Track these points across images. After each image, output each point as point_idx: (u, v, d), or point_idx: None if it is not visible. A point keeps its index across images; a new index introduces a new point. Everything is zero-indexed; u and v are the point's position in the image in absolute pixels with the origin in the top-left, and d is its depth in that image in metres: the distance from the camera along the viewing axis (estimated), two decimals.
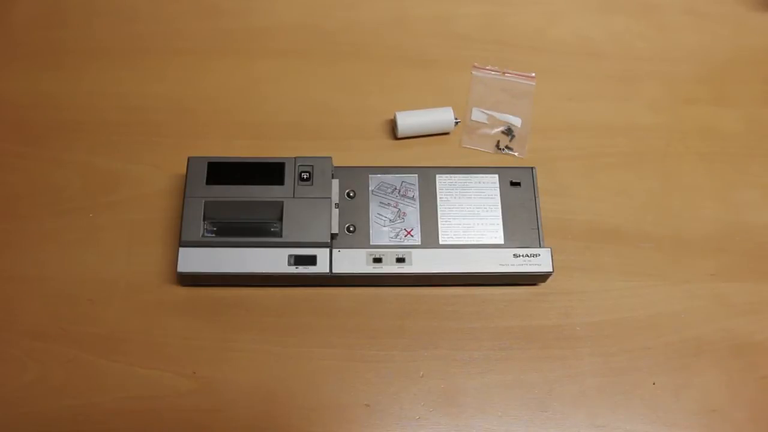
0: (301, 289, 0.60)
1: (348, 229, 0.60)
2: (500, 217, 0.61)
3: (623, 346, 0.58)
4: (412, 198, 0.61)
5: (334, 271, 0.57)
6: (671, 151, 0.68)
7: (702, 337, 0.59)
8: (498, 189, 0.62)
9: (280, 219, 0.58)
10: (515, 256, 0.59)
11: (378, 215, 0.60)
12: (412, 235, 0.60)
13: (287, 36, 0.73)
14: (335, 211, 0.59)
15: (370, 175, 0.62)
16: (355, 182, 0.61)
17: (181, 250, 0.57)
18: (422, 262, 0.58)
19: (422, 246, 0.59)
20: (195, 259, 0.57)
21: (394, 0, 0.76)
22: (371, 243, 0.59)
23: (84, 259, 0.60)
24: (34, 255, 0.60)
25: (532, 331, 0.59)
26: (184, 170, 0.60)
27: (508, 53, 0.73)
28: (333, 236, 0.58)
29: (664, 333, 0.59)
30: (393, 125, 0.67)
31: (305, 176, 0.60)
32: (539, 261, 0.58)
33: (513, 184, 0.62)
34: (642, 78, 0.72)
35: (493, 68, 0.71)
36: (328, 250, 0.58)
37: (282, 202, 0.58)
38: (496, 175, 0.62)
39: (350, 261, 0.58)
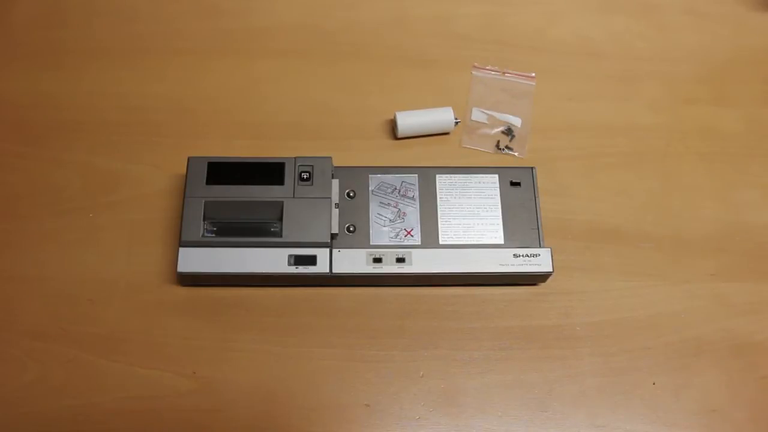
0: (301, 289, 0.60)
1: (348, 229, 0.60)
2: (500, 217, 0.61)
3: (623, 346, 0.58)
4: (412, 198, 0.61)
5: (334, 271, 0.57)
6: (671, 151, 0.68)
7: (702, 337, 0.59)
8: (498, 189, 0.62)
9: (280, 219, 0.58)
10: (515, 256, 0.59)
11: (378, 215, 0.60)
12: (412, 235, 0.60)
13: (287, 36, 0.73)
14: (335, 211, 0.59)
15: (370, 175, 0.62)
16: (355, 182, 0.61)
17: (181, 250, 0.57)
18: (422, 262, 0.58)
19: (422, 246, 0.59)
20: (195, 259, 0.57)
21: (394, 0, 0.76)
22: (371, 243, 0.59)
23: (84, 259, 0.60)
24: (34, 255, 0.60)
25: (532, 331, 0.59)
26: (184, 170, 0.60)
27: (508, 53, 0.73)
28: (333, 236, 0.58)
29: (664, 333, 0.59)
30: (393, 125, 0.67)
31: (305, 176, 0.60)
32: (539, 261, 0.58)
33: (513, 184, 0.62)
34: (642, 78, 0.72)
35: (493, 68, 0.71)
36: (328, 250, 0.58)
37: (282, 202, 0.58)
38: (496, 175, 0.62)
39: (350, 261, 0.58)
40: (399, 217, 0.60)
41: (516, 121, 0.68)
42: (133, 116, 0.67)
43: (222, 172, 0.59)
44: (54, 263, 0.60)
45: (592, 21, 0.76)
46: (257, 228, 0.59)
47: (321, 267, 0.57)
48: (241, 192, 0.59)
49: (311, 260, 0.57)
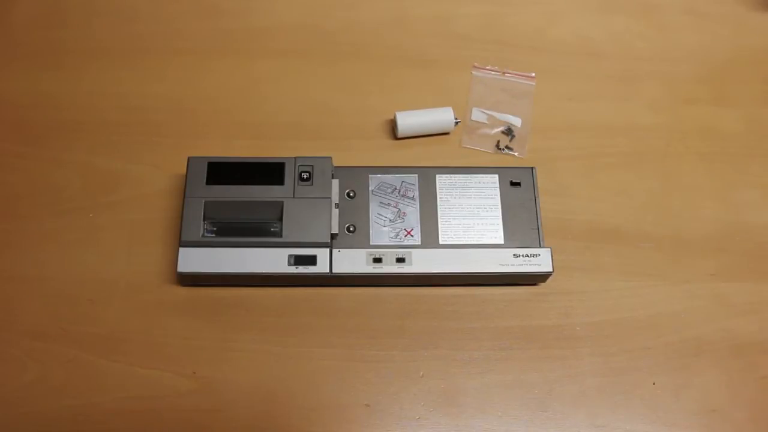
0: (301, 289, 0.60)
1: (348, 229, 0.60)
2: (500, 217, 0.61)
3: (623, 346, 0.58)
4: (412, 198, 0.61)
5: (334, 271, 0.57)
6: (671, 151, 0.68)
7: (702, 337, 0.59)
8: (498, 189, 0.62)
9: (280, 219, 0.58)
10: (515, 256, 0.59)
11: (378, 215, 0.60)
12: (412, 235, 0.60)
13: (287, 36, 0.73)
14: (335, 211, 0.59)
15: (370, 175, 0.62)
16: (355, 182, 0.61)
17: (181, 250, 0.57)
18: (422, 262, 0.58)
19: (422, 246, 0.59)
20: (195, 259, 0.57)
21: (394, 0, 0.76)
22: (371, 243, 0.59)
23: (84, 259, 0.60)
24: (34, 255, 0.60)
25: (532, 331, 0.59)
26: (184, 170, 0.60)
27: (508, 53, 0.73)
28: (333, 236, 0.58)
29: (664, 333, 0.59)
30: (393, 125, 0.67)
31: (305, 176, 0.60)
32: (539, 261, 0.58)
33: (513, 184, 0.62)
34: (642, 78, 0.72)
35: (493, 68, 0.71)
36: (328, 250, 0.58)
37: (282, 202, 0.58)
38: (496, 175, 0.62)
39: (350, 261, 0.58)
40: (399, 217, 0.60)
41: (516, 121, 0.68)
42: (133, 116, 0.67)
43: (222, 172, 0.59)
44: (54, 263, 0.60)
45: (592, 21, 0.76)
46: (257, 228, 0.59)
47: (321, 267, 0.57)
48: (241, 192, 0.59)
49: (311, 260, 0.57)
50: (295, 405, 0.55)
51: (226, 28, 0.73)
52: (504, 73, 0.70)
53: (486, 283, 0.60)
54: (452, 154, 0.67)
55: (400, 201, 0.61)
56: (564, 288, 0.61)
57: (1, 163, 0.65)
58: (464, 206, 0.61)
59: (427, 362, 0.57)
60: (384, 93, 0.70)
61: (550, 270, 0.58)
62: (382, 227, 0.60)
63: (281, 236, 0.58)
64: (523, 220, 0.61)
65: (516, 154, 0.67)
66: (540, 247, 0.60)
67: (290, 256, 0.57)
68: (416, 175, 0.62)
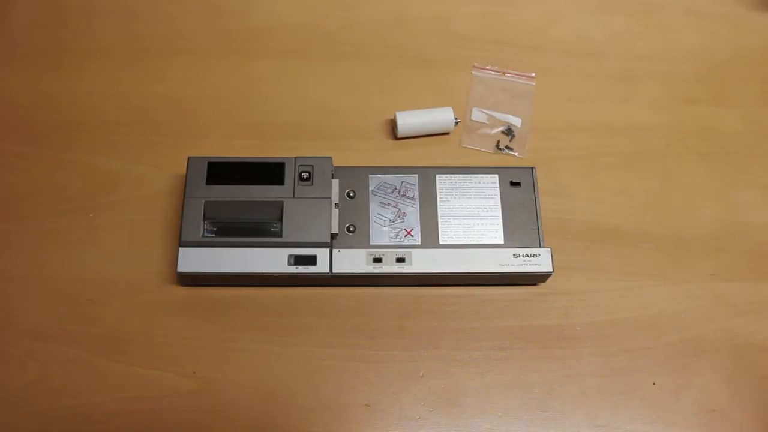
0: (301, 289, 0.60)
1: (348, 229, 0.60)
2: (500, 217, 0.61)
3: (623, 346, 0.58)
4: (412, 198, 0.61)
5: (334, 271, 0.57)
6: (671, 151, 0.68)
7: (702, 337, 0.59)
8: (498, 189, 0.62)
9: (280, 219, 0.58)
10: (515, 256, 0.59)
11: (378, 215, 0.60)
12: (412, 235, 0.60)
13: (287, 36, 0.73)
14: (335, 211, 0.59)
15: (370, 175, 0.62)
16: (355, 182, 0.61)
17: (181, 250, 0.57)
18: (422, 262, 0.58)
19: (422, 246, 0.59)
20: (195, 259, 0.57)
21: (394, 0, 0.76)
22: (371, 243, 0.59)
23: (84, 259, 0.60)
24: (34, 255, 0.60)
25: (532, 331, 0.59)
26: (184, 170, 0.60)
27: (508, 53, 0.73)
28: (333, 236, 0.58)
29: (664, 333, 0.59)
30: (393, 125, 0.67)
31: (305, 176, 0.60)
32: (539, 261, 0.58)
33: (513, 184, 0.62)
34: (642, 78, 0.72)
35: (493, 68, 0.71)
36: (328, 250, 0.58)
37: (282, 202, 0.58)
38: (496, 175, 0.62)
39: (350, 261, 0.58)
40: (399, 217, 0.60)
41: (516, 121, 0.68)
42: (133, 116, 0.67)
43: (222, 172, 0.59)
44: (54, 263, 0.60)
45: (592, 21, 0.76)
46: (257, 228, 0.59)
47: (321, 267, 0.57)
48: (241, 192, 0.59)
49: (311, 260, 0.57)
50: (295, 405, 0.55)
51: (226, 28, 0.73)
52: (504, 73, 0.70)
53: (486, 283, 0.60)
54: (452, 154, 0.67)
55: (400, 201, 0.61)
56: (564, 288, 0.61)
57: (1, 163, 0.65)
58: (464, 206, 0.61)
59: (427, 362, 0.57)
60: (384, 93, 0.70)
61: (550, 270, 0.58)
62: (382, 227, 0.60)
63: (281, 236, 0.58)
64: (523, 220, 0.61)
65: (516, 154, 0.67)
66: (540, 247, 0.60)
67: (290, 256, 0.57)
68: (416, 175, 0.62)
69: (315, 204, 0.59)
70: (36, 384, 0.55)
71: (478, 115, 0.69)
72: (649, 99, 0.71)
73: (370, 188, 0.61)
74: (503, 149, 0.67)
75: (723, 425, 0.56)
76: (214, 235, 0.58)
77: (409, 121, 0.66)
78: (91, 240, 0.61)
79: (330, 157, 0.61)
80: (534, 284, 0.61)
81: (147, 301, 0.59)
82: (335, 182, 0.60)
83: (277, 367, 0.57)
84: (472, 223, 0.60)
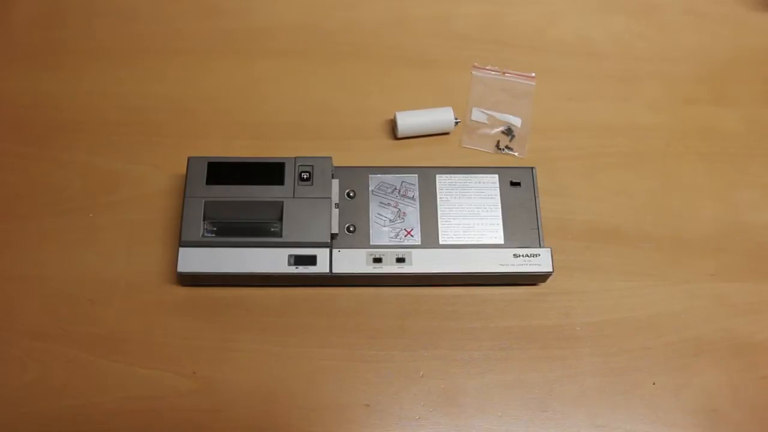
0: (301, 289, 0.60)
1: (348, 229, 0.60)
2: (500, 217, 0.61)
3: (623, 346, 0.58)
4: (412, 198, 0.61)
5: (334, 271, 0.57)
6: (671, 151, 0.68)
7: (702, 337, 0.59)
8: (498, 189, 0.62)
9: (280, 219, 0.58)
10: (515, 256, 0.59)
11: (378, 215, 0.60)
12: (412, 235, 0.60)
13: (287, 36, 0.73)
14: (335, 211, 0.59)
15: (370, 175, 0.62)
16: (355, 182, 0.61)
17: (181, 250, 0.57)
18: (422, 262, 0.58)
19: (422, 246, 0.59)
20: (195, 259, 0.57)
21: (394, 0, 0.76)
22: (371, 243, 0.59)
23: (84, 259, 0.60)
24: (34, 255, 0.60)
25: (532, 331, 0.59)
26: (184, 170, 0.60)
27: (508, 53, 0.73)
28: (333, 236, 0.58)
29: (664, 333, 0.59)
30: (393, 125, 0.67)
31: (305, 176, 0.60)
32: (539, 261, 0.58)
33: (513, 184, 0.62)
34: (642, 78, 0.72)
35: (493, 68, 0.71)
36: (328, 250, 0.58)
37: (282, 202, 0.58)
38: (496, 175, 0.62)
39: (350, 261, 0.58)
40: (399, 217, 0.60)
41: (516, 121, 0.68)
42: (133, 116, 0.67)
43: (222, 172, 0.59)
44: (54, 263, 0.60)
45: (592, 21, 0.76)
46: (257, 228, 0.59)
47: (321, 267, 0.57)
48: (241, 192, 0.59)
49: (311, 260, 0.57)
50: (295, 405, 0.55)
51: (226, 28, 0.73)
52: (504, 73, 0.70)
53: (486, 283, 0.60)
54: (452, 154, 0.67)
55: (400, 201, 0.61)
56: (564, 288, 0.61)
57: (1, 163, 0.65)
58: (464, 206, 0.61)
59: (427, 362, 0.57)
60: (384, 93, 0.70)
61: (550, 270, 0.58)
62: (382, 227, 0.60)
63: (281, 236, 0.58)
64: (523, 220, 0.61)
65: (516, 154, 0.67)
66: (540, 247, 0.60)
67: (290, 256, 0.57)
68: (416, 175, 0.62)
69: (315, 204, 0.59)
70: (36, 384, 0.55)
71: (478, 115, 0.69)
72: (649, 99, 0.71)
73: (370, 188, 0.61)
74: (503, 149, 0.67)
75: (723, 425, 0.56)
76: (214, 235, 0.58)
77: (409, 121, 0.66)
78: (91, 240, 0.61)
79: (330, 157, 0.61)
80: (534, 284, 0.61)
81: (147, 301, 0.59)
82: (335, 182, 0.60)
83: (277, 367, 0.57)
84: (472, 223, 0.60)
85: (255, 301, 0.59)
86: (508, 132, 0.68)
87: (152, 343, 0.57)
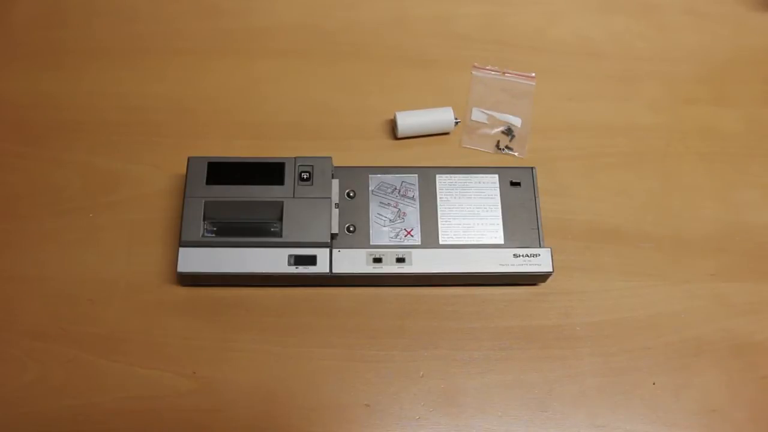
0: (301, 289, 0.60)
1: (348, 229, 0.60)
2: (500, 217, 0.61)
3: (623, 346, 0.58)
4: (412, 198, 0.61)
5: (334, 271, 0.57)
6: (671, 151, 0.68)
7: (702, 337, 0.59)
8: (498, 189, 0.62)
9: (280, 219, 0.58)
10: (515, 256, 0.59)
11: (378, 215, 0.60)
12: (412, 235, 0.60)
13: (287, 36, 0.73)
14: (335, 211, 0.59)
15: (370, 175, 0.62)
16: (355, 182, 0.61)
17: (181, 250, 0.57)
18: (422, 262, 0.58)
19: (422, 246, 0.59)
20: (195, 259, 0.57)
21: (394, 0, 0.76)
22: (371, 243, 0.59)
23: (84, 259, 0.60)
24: (34, 255, 0.60)
25: (532, 331, 0.59)
26: (184, 170, 0.60)
27: (508, 53, 0.73)
28: (333, 236, 0.58)
29: (664, 333, 0.59)
30: (393, 125, 0.67)
31: (305, 176, 0.60)
32: (539, 261, 0.58)
33: (513, 184, 0.62)
34: (642, 78, 0.72)
35: (493, 68, 0.71)
36: (328, 250, 0.58)
37: (282, 202, 0.58)
38: (496, 175, 0.62)
39: (350, 261, 0.58)
40: (399, 217, 0.60)
41: (516, 121, 0.68)
42: (133, 116, 0.67)
43: (222, 172, 0.59)
44: (54, 263, 0.60)
45: (592, 21, 0.76)
46: (257, 228, 0.59)
47: (321, 267, 0.57)
48: (241, 192, 0.59)
49: (311, 260, 0.57)
50: (295, 405, 0.55)
51: (226, 28, 0.73)
52: (504, 73, 0.70)
53: (486, 283, 0.60)
54: (452, 154, 0.67)
55: (400, 201, 0.61)
56: (564, 288, 0.61)
57: (1, 163, 0.65)
58: (464, 206, 0.61)
59: (427, 362, 0.57)
60: (384, 93, 0.70)
61: (550, 270, 0.58)
62: (382, 227, 0.60)
63: (281, 236, 0.58)
64: (523, 220, 0.61)
65: (516, 154, 0.67)
66: (540, 247, 0.60)
67: (290, 256, 0.57)
68: (416, 175, 0.62)
69: (315, 204, 0.59)
70: (36, 384, 0.55)
71: (478, 115, 0.69)
72: (649, 99, 0.71)
73: (370, 188, 0.61)
74: (503, 149, 0.67)
75: (723, 425, 0.56)
76: (214, 235, 0.58)
77: (409, 121, 0.66)
78: (91, 240, 0.61)
79: (330, 157, 0.61)
80: (534, 284, 0.61)
81: (147, 301, 0.59)
82: (335, 182, 0.60)
83: (277, 367, 0.57)
84: (472, 223, 0.60)
85: (255, 301, 0.59)
86: (508, 132, 0.68)
87: (152, 343, 0.57)
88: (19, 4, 0.74)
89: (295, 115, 0.68)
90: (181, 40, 0.72)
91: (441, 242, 0.59)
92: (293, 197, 0.59)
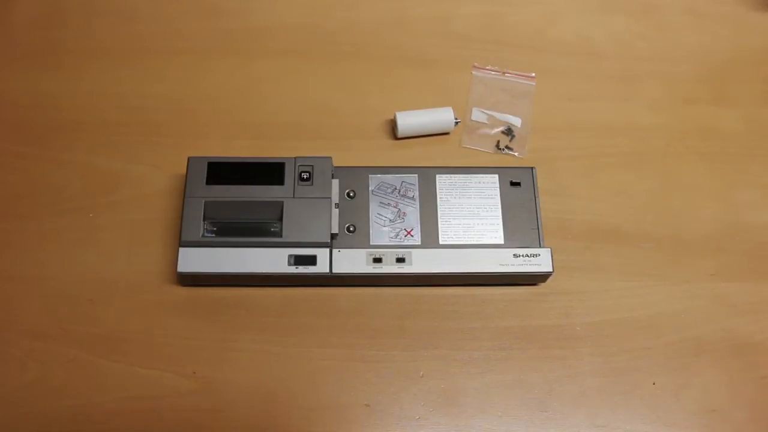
0: (301, 289, 0.60)
1: (348, 229, 0.60)
2: (500, 217, 0.61)
3: (623, 346, 0.58)
4: (412, 198, 0.61)
5: (334, 271, 0.57)
6: (671, 151, 0.68)
7: (702, 337, 0.59)
8: (498, 189, 0.62)
9: (280, 219, 0.58)
10: (515, 256, 0.59)
11: (378, 215, 0.60)
12: (412, 235, 0.60)
13: (287, 36, 0.73)
14: (335, 211, 0.59)
15: (370, 175, 0.62)
16: (355, 182, 0.61)
17: (181, 250, 0.57)
18: (422, 262, 0.58)
19: (422, 246, 0.59)
20: (195, 259, 0.57)
21: (394, 0, 0.76)
22: (371, 243, 0.59)
23: (84, 259, 0.60)
24: (34, 255, 0.60)
25: (532, 331, 0.59)
26: (184, 170, 0.60)
27: (508, 53, 0.73)
28: (333, 236, 0.58)
29: (664, 333, 0.59)
30: (393, 125, 0.67)
31: (305, 176, 0.60)
32: (539, 261, 0.58)
33: (513, 184, 0.62)
34: (642, 78, 0.72)
35: (493, 68, 0.71)
36: (328, 250, 0.58)
37: (282, 202, 0.58)
38: (496, 175, 0.62)
39: (350, 261, 0.58)
40: (399, 217, 0.60)
41: (516, 121, 0.68)
42: (133, 116, 0.67)
43: (222, 172, 0.59)
44: (54, 263, 0.60)
45: (592, 21, 0.76)
46: (257, 228, 0.59)
47: (321, 267, 0.57)
48: (241, 192, 0.59)
49: (311, 260, 0.57)
50: (295, 405, 0.55)
51: (226, 28, 0.73)
52: (504, 73, 0.70)
53: (486, 283, 0.60)
54: (452, 154, 0.67)
55: (400, 201, 0.61)
56: (564, 288, 0.61)
57: (1, 163, 0.65)
58: (464, 206, 0.61)
59: (427, 362, 0.57)
60: (384, 93, 0.70)
61: (550, 270, 0.58)
62: (382, 227, 0.60)
63: (281, 236, 0.58)
64: (523, 220, 0.61)
65: (516, 154, 0.67)
66: (540, 247, 0.60)
67: (290, 256, 0.57)
68: (416, 175, 0.62)
69: (315, 204, 0.59)
70: (36, 384, 0.55)
71: (478, 115, 0.69)
72: (649, 99, 0.71)
73: (370, 188, 0.61)
74: (503, 149, 0.67)
75: (723, 425, 0.56)
76: (214, 235, 0.58)
77: (409, 121, 0.66)
78: (91, 240, 0.61)
79: (330, 157, 0.61)
80: (534, 284, 0.61)
81: (147, 301, 0.59)
82: (335, 182, 0.60)
83: (277, 367, 0.57)
84: (472, 223, 0.60)
85: (255, 301, 0.59)
86: (508, 132, 0.68)
87: (152, 343, 0.57)
88: (19, 4, 0.74)
89: (295, 115, 0.68)
90: (181, 40, 0.72)
91: (441, 242, 0.59)
92: (293, 197, 0.59)
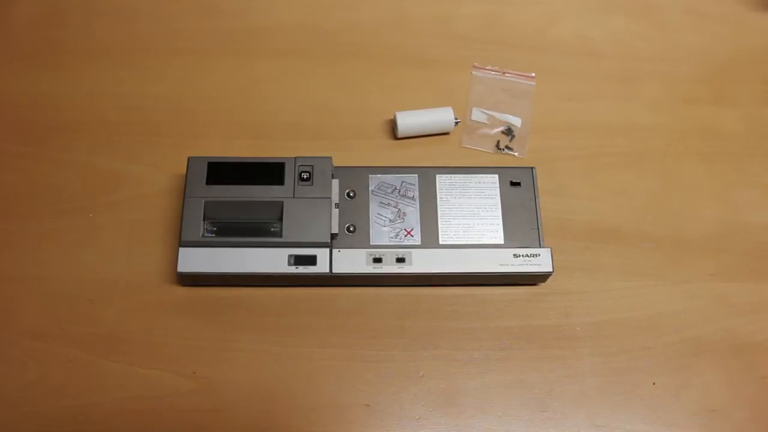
0: (301, 289, 0.60)
1: (348, 229, 0.60)
2: (500, 217, 0.61)
3: (623, 346, 0.58)
4: (412, 198, 0.61)
5: (334, 271, 0.57)
6: (671, 151, 0.68)
7: (702, 337, 0.59)
8: (498, 189, 0.62)
9: (280, 219, 0.58)
10: (515, 256, 0.59)
11: (378, 215, 0.60)
12: (412, 235, 0.60)
13: (287, 36, 0.73)
14: (335, 211, 0.59)
15: (370, 175, 0.62)
16: (355, 182, 0.61)
17: (181, 250, 0.57)
18: (422, 262, 0.58)
19: (422, 246, 0.59)
20: (195, 259, 0.57)
21: (394, 0, 0.76)
22: (371, 243, 0.59)
23: (84, 259, 0.60)
24: (34, 255, 0.60)
25: (532, 331, 0.59)
26: (184, 170, 0.60)
27: (508, 53, 0.73)
28: (333, 236, 0.58)
29: (664, 333, 0.59)
30: (393, 125, 0.67)
31: (305, 176, 0.60)
32: (539, 261, 0.58)
33: (513, 184, 0.62)
34: (642, 78, 0.72)
35: (493, 68, 0.71)
36: (328, 250, 0.58)
37: (282, 202, 0.58)
38: (496, 175, 0.62)
39: (350, 261, 0.58)
40: (399, 217, 0.60)
41: (516, 121, 0.68)
42: (133, 116, 0.67)
43: (222, 172, 0.59)
44: (54, 263, 0.60)
45: (592, 21, 0.76)
46: (257, 228, 0.59)
47: (321, 267, 0.57)
48: (241, 192, 0.59)
49: (311, 260, 0.57)
50: (295, 405, 0.55)
51: (226, 28, 0.73)
52: (504, 73, 0.70)
53: (486, 283, 0.60)
54: (452, 154, 0.67)
55: (400, 201, 0.61)
56: (564, 288, 0.61)
57: (1, 163, 0.65)
58: (464, 206, 0.61)
59: (427, 362, 0.57)
60: (384, 93, 0.70)
61: (550, 270, 0.58)
62: (382, 227, 0.60)
63: (281, 236, 0.58)
64: (523, 220, 0.61)
65: (516, 154, 0.67)
66: (540, 247, 0.60)
67: (290, 256, 0.57)
68: (416, 175, 0.62)
69: (315, 204, 0.59)
70: (36, 384, 0.55)
71: (478, 115, 0.69)
72: (649, 99, 0.71)
73: (370, 188, 0.61)
74: (503, 149, 0.67)
75: (723, 425, 0.56)
76: (214, 235, 0.58)
77: (409, 121, 0.66)
78: (91, 240, 0.61)
79: (330, 157, 0.61)
80: (534, 284, 0.61)
81: (147, 301, 0.59)
82: (335, 182, 0.60)
83: (277, 367, 0.57)
84: (472, 223, 0.60)
85: (255, 301, 0.59)
86: (508, 132, 0.68)
87: (152, 343, 0.57)
88: (19, 4, 0.74)
89: (295, 115, 0.68)
90: (181, 40, 0.72)
91: (441, 242, 0.59)
92: (293, 197, 0.59)
